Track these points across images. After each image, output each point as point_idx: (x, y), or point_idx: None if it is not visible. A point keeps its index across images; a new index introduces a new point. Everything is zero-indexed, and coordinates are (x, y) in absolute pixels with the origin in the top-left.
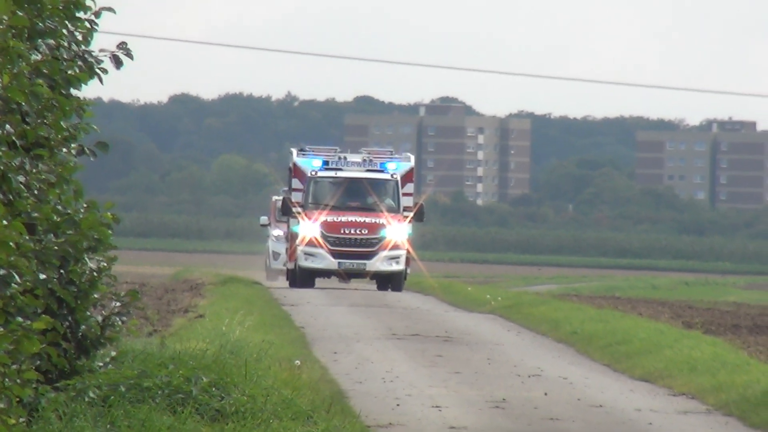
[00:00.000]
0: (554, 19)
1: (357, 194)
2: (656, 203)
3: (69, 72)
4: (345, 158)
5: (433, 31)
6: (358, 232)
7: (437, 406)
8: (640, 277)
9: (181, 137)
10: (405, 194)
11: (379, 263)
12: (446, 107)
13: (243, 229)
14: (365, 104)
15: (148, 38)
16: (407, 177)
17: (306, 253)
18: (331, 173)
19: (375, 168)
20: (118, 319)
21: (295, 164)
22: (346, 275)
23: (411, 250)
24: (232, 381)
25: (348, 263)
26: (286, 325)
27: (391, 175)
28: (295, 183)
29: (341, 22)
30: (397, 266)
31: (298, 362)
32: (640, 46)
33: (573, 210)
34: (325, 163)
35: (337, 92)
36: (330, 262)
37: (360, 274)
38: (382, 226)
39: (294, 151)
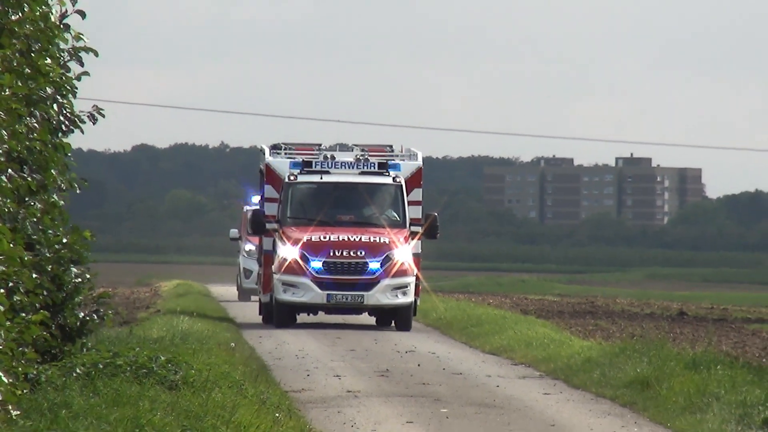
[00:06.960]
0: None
1: (350, 204)
2: (499, 221)
3: (56, 140)
4: (333, 157)
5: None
6: (352, 254)
7: (337, 376)
8: (489, 276)
9: (141, 176)
10: (412, 203)
11: (380, 294)
12: None
13: (189, 245)
14: None
15: (117, 102)
16: (414, 180)
17: (285, 284)
18: (316, 177)
19: (372, 170)
20: (95, 315)
21: (267, 166)
22: (337, 311)
23: (420, 275)
24: (184, 359)
25: (340, 296)
26: (223, 317)
27: (394, 178)
28: (269, 191)
29: (260, 86)
30: (405, 298)
31: (233, 344)
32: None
33: None
34: (307, 164)
35: (259, 140)
36: (316, 295)
37: (357, 309)
38: (385, 245)
39: (266, 149)
